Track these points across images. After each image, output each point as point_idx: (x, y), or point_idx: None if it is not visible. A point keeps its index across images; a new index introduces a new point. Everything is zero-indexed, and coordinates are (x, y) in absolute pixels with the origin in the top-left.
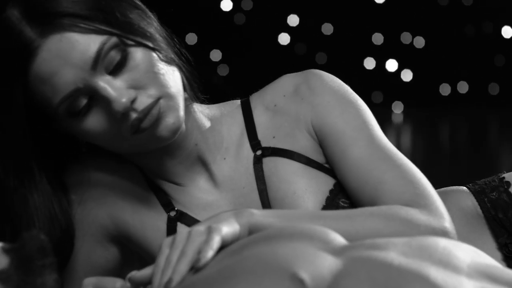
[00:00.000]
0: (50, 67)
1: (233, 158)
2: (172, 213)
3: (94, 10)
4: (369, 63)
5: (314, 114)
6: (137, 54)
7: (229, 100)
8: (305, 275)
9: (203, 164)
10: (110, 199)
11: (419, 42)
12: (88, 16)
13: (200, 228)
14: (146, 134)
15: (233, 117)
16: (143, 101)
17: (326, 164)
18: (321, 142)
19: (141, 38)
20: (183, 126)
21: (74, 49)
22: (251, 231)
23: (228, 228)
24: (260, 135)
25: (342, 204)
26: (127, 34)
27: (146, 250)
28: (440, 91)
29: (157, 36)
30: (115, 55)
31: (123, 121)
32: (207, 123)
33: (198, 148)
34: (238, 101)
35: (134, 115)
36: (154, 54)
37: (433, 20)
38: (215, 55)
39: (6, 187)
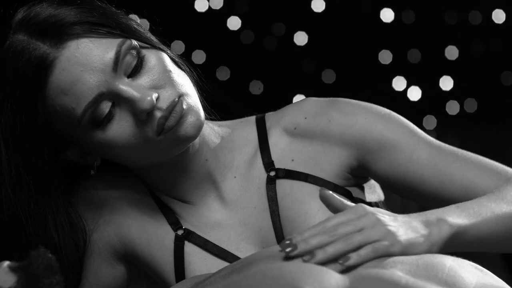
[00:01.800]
0: (71, 75)
1: (244, 177)
2: (180, 232)
3: (104, 17)
4: (377, 81)
5: (350, 134)
6: (152, 56)
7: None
8: None
9: (213, 181)
10: (118, 217)
11: (427, 60)
12: (99, 22)
13: (387, 227)
14: (171, 134)
15: (246, 136)
16: (165, 99)
17: (345, 187)
18: (369, 157)
19: (152, 42)
20: (203, 125)
21: (93, 53)
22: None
23: (407, 244)
24: (274, 156)
25: None
26: (139, 37)
27: (153, 269)
28: (448, 109)
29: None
30: (131, 59)
31: (148, 122)
32: (217, 140)
33: (208, 164)
34: (253, 118)
35: (159, 114)
36: (166, 56)
37: (441, 39)
38: (223, 73)
39: (21, 209)
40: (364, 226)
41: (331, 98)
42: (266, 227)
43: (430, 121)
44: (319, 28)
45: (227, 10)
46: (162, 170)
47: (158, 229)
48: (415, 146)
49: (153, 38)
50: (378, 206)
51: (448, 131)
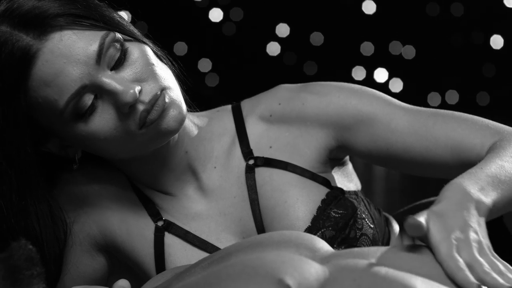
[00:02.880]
0: (54, 67)
1: (223, 167)
2: (160, 223)
3: (87, 9)
4: (358, 73)
5: (326, 114)
6: (135, 49)
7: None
8: (291, 282)
9: (193, 173)
10: (98, 209)
11: (409, 52)
12: (83, 15)
13: (469, 235)
14: (153, 127)
15: (224, 125)
16: (148, 92)
17: (323, 173)
18: (348, 133)
19: (135, 35)
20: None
21: (76, 45)
22: None
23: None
24: (252, 144)
25: (334, 214)
26: (122, 30)
27: (133, 260)
28: (429, 101)
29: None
30: (114, 52)
31: (130, 115)
32: (196, 131)
33: (188, 156)
34: (229, 107)
35: (141, 107)
36: (149, 49)
37: (423, 30)
38: (204, 65)
39: (3, 200)
40: (472, 240)
41: (302, 84)
42: (246, 216)
43: None
44: (301, 20)
45: (209, 2)
46: (142, 162)
47: (139, 220)
48: (392, 116)
49: (136, 31)
50: (357, 195)
51: None
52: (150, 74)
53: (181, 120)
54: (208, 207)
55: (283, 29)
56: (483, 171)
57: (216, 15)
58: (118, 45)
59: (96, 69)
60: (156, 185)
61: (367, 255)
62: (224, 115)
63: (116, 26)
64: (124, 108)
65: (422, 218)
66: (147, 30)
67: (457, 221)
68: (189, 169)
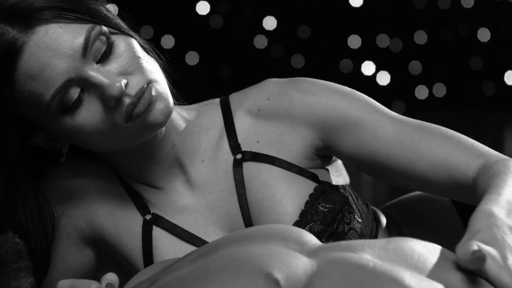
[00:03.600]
0: (40, 60)
1: (211, 161)
2: (148, 216)
3: (73, 2)
4: (346, 66)
5: (314, 113)
6: (121, 42)
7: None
8: (279, 275)
9: (181, 166)
10: (85, 202)
11: (396, 45)
12: (68, 8)
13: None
14: (140, 120)
15: (212, 119)
16: (134, 85)
17: (311, 168)
18: (334, 135)
19: (121, 28)
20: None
21: (62, 39)
22: None
23: None
24: (240, 139)
25: (322, 208)
26: (108, 24)
27: (121, 253)
28: (417, 94)
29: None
30: (100, 45)
31: (117, 109)
32: (184, 125)
33: (176, 149)
34: (217, 101)
35: (127, 101)
36: (136, 42)
37: (410, 23)
38: (191, 58)
39: None
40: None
41: (292, 78)
42: (233, 210)
43: (399, 105)
44: (288, 13)
45: None
46: (130, 156)
47: (126, 213)
48: (379, 123)
49: (122, 24)
50: (345, 189)
51: (417, 115)
52: (136, 67)
53: (168, 113)
54: (195, 201)
55: (270, 22)
56: (502, 197)
57: (203, 8)
58: (104, 38)
59: (82, 62)
60: (143, 179)
61: (354, 248)
62: (212, 108)
63: (102, 19)
64: (111, 102)
65: (474, 247)
66: (134, 23)
67: (506, 248)
68: (176, 163)
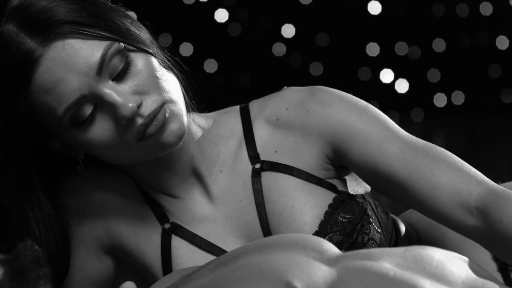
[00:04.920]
0: (55, 75)
1: (230, 171)
2: (167, 226)
3: (94, 17)
4: (364, 74)
5: (326, 124)
6: (139, 60)
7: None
8: (299, 285)
9: (199, 177)
10: (105, 211)
11: (415, 52)
12: (88, 23)
13: None
14: (152, 140)
15: (231, 127)
16: (148, 106)
17: (328, 179)
18: (343, 147)
19: (141, 45)
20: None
21: (78, 55)
22: None
23: None
24: (259, 148)
25: (341, 219)
26: (128, 40)
27: (140, 262)
28: (435, 102)
29: (152, 44)
30: (118, 62)
31: (129, 128)
32: (203, 135)
33: (194, 160)
34: (237, 108)
35: (140, 121)
36: (155, 60)
37: (428, 31)
38: (210, 65)
39: (7, 201)
40: None
41: (310, 87)
42: (252, 220)
43: (418, 113)
44: (306, 21)
45: (215, 2)
46: (147, 167)
47: (146, 223)
48: (385, 138)
49: (145, 38)
50: (364, 198)
51: (436, 123)
52: (152, 86)
53: (181, 135)
54: (214, 211)
55: (288, 30)
56: None
57: (221, 15)
58: (121, 56)
59: (96, 79)
60: (162, 188)
61: (374, 257)
62: (232, 116)
63: (122, 35)
64: (122, 121)
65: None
66: (153, 31)
67: None
68: (195, 173)
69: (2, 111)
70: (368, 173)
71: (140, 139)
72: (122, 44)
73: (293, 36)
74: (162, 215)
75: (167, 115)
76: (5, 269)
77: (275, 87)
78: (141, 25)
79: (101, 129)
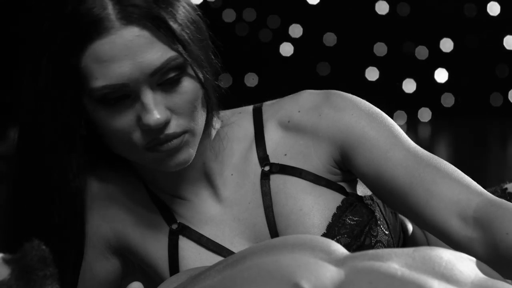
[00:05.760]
0: (114, 53)
1: (240, 173)
2: (174, 226)
3: (179, 25)
4: (372, 74)
5: (337, 128)
6: (190, 85)
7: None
8: (307, 285)
9: (209, 180)
10: (112, 211)
11: (422, 52)
12: (172, 28)
13: None
14: (155, 156)
15: (244, 131)
16: (172, 127)
17: (337, 181)
18: (350, 153)
19: (201, 73)
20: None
21: (145, 50)
22: None
23: None
24: (269, 150)
25: (349, 221)
26: (193, 62)
27: (147, 263)
28: (443, 102)
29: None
30: (172, 75)
31: (144, 133)
32: (216, 140)
33: (206, 166)
34: (250, 109)
35: (157, 135)
36: (202, 91)
37: (435, 31)
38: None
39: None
40: None
41: (326, 91)
42: (260, 222)
43: (425, 113)
44: (314, 21)
45: (222, 2)
46: (158, 170)
47: (153, 223)
48: (391, 146)
49: (206, 62)
50: (372, 200)
51: (443, 123)
52: (185, 111)
53: (182, 165)
54: (222, 212)
55: (296, 30)
56: None
57: (229, 15)
58: (178, 72)
59: (145, 79)
60: (170, 190)
61: (382, 257)
62: (244, 117)
63: (192, 56)
64: (143, 126)
65: None
66: None
67: None
68: (205, 177)
69: (57, 57)
70: (371, 179)
71: (147, 148)
72: (185, 62)
73: (301, 36)
74: (169, 216)
75: (182, 143)
76: (12, 268)
77: (282, 87)
78: (210, 43)
79: (120, 119)
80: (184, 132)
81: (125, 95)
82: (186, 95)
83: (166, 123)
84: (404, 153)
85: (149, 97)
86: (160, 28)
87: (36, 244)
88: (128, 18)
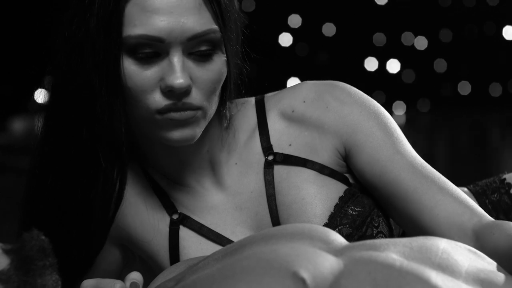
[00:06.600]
0: (162, 6)
1: (243, 162)
2: (175, 216)
3: (228, 8)
4: (371, 64)
5: (344, 123)
6: (219, 63)
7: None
8: (306, 275)
9: (212, 168)
10: None
11: (421, 43)
12: (221, 5)
13: None
14: (163, 122)
15: (247, 120)
16: (190, 97)
17: (342, 171)
18: (354, 149)
19: (229, 53)
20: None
21: (192, 13)
22: None
23: None
24: (273, 140)
25: (351, 211)
26: (228, 42)
27: (147, 253)
28: (442, 92)
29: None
30: (205, 48)
31: (162, 95)
32: (220, 128)
33: (210, 154)
34: (252, 101)
35: (173, 100)
36: (225, 72)
37: (435, 21)
38: None
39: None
40: None
41: (329, 82)
42: (262, 211)
43: (424, 103)
44: (313, 11)
45: None
46: (166, 152)
47: (153, 213)
48: (399, 149)
49: (237, 52)
50: None
51: (442, 113)
52: (206, 89)
53: (186, 142)
54: (224, 201)
55: (295, 20)
56: None
57: None
58: (212, 47)
59: (181, 42)
60: (173, 175)
61: (380, 247)
62: (247, 108)
63: (228, 35)
64: (164, 87)
65: None
66: None
67: None
68: (209, 165)
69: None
70: (371, 180)
71: (159, 112)
72: (223, 40)
73: (300, 26)
74: (170, 205)
75: (193, 118)
76: (11, 258)
77: (281, 77)
78: (239, 34)
79: (145, 74)
80: (199, 108)
81: (156, 52)
82: (212, 73)
83: (186, 92)
84: (411, 159)
85: (180, 59)
86: (215, 1)
87: (35, 234)
88: None
